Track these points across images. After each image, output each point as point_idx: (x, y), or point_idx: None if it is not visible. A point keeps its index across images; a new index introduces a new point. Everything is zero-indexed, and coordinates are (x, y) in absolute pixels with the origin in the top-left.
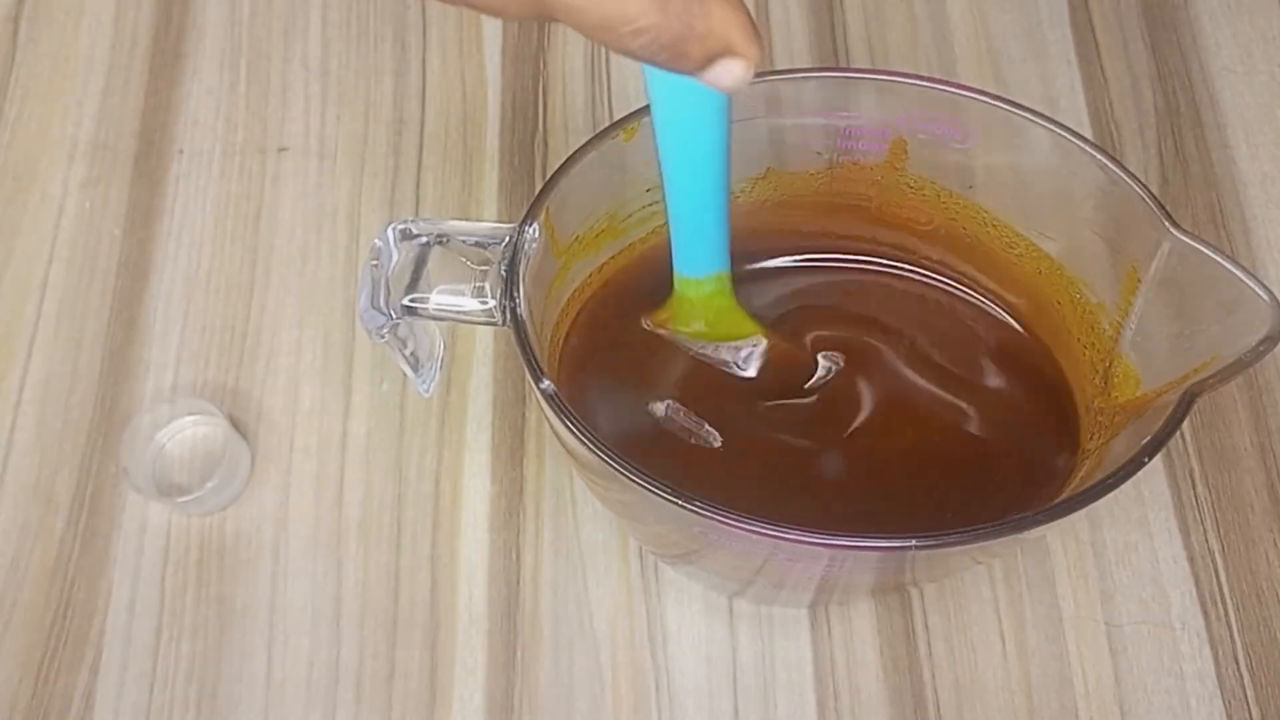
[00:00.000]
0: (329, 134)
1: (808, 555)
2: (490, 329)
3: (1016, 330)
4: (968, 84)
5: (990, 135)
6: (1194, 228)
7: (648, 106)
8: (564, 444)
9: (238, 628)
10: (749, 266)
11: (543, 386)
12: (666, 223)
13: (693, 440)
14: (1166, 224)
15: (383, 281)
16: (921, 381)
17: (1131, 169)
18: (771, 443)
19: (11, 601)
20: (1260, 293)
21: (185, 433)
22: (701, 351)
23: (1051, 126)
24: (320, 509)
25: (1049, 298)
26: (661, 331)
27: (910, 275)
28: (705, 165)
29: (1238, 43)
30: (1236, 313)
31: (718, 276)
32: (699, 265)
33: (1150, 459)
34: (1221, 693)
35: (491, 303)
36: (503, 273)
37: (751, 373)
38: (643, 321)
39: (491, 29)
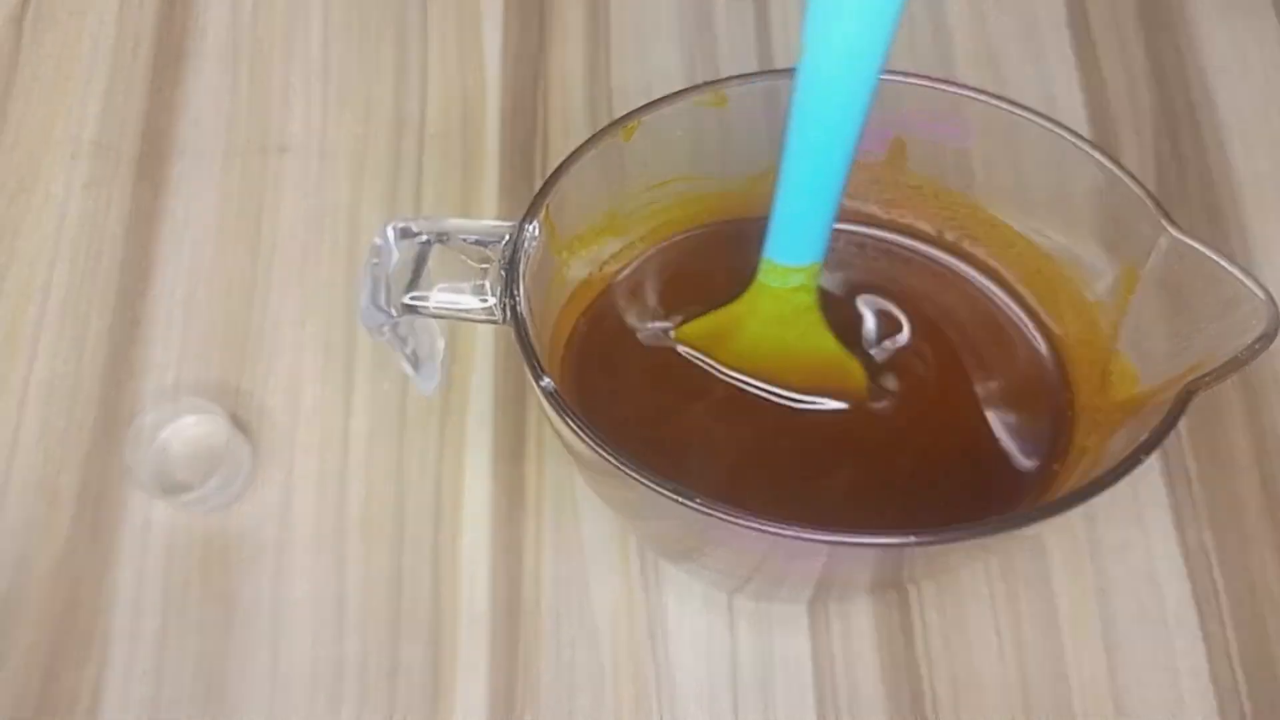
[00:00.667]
0: (330, 134)
1: (807, 552)
2: (491, 327)
3: (1014, 328)
4: (968, 84)
5: (989, 135)
6: (1190, 227)
7: (655, 103)
8: (565, 442)
9: (242, 624)
10: (749, 257)
11: (543, 384)
12: (774, 198)
13: None
14: (1164, 223)
15: (383, 280)
16: (920, 377)
17: (1128, 168)
18: (773, 438)
19: (18, 599)
20: (1256, 291)
21: (188, 431)
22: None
23: (1050, 126)
24: (322, 507)
25: (1047, 296)
26: (685, 350)
27: (909, 272)
28: (843, 131)
29: (1234, 43)
30: (1233, 311)
31: (811, 268)
32: (799, 250)
33: (1147, 457)
34: (1215, 689)
35: (492, 301)
36: (503, 271)
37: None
38: (674, 337)
39: (492, 29)
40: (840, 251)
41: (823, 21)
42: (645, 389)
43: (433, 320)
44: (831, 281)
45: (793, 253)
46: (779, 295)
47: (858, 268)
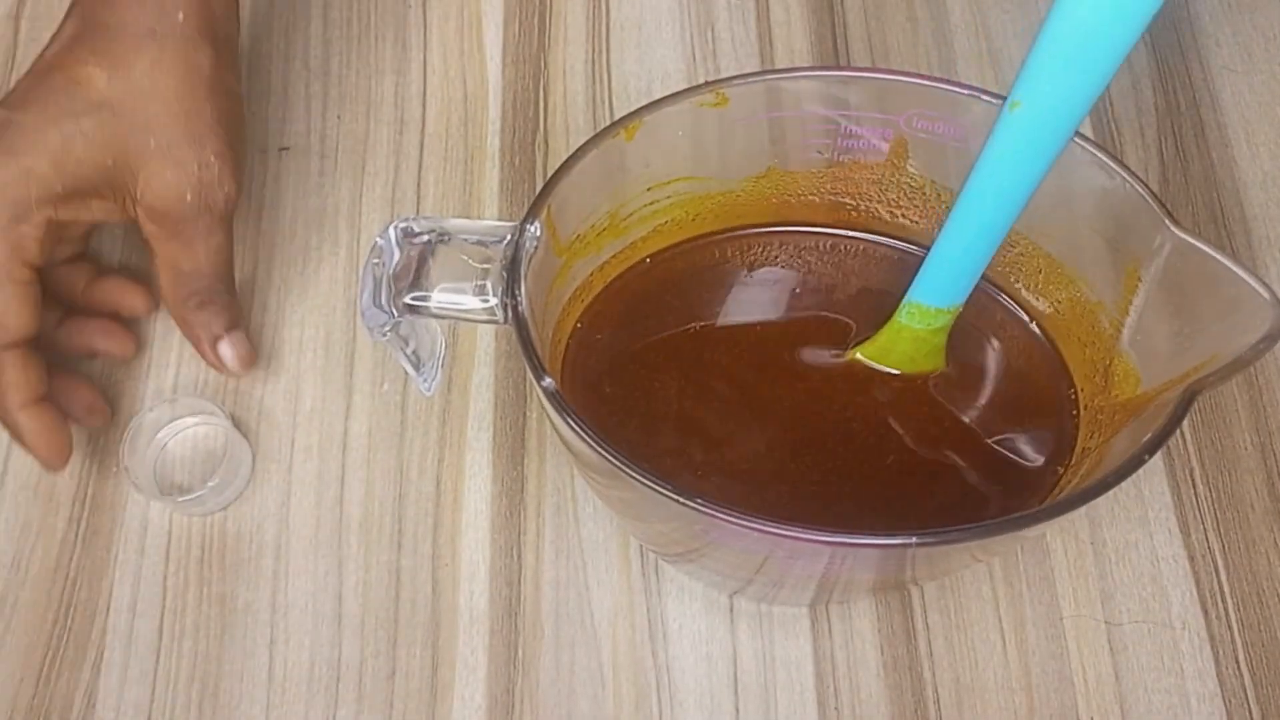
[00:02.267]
0: (330, 133)
1: (808, 553)
2: (491, 328)
3: (1016, 329)
4: (968, 84)
5: None
6: (1194, 226)
7: (656, 103)
8: (565, 442)
9: (239, 626)
10: (750, 259)
11: (544, 384)
12: (935, 244)
13: None
14: (1167, 222)
15: (384, 280)
16: (922, 377)
17: (1132, 168)
18: (773, 440)
19: (13, 601)
20: (1260, 291)
21: (187, 432)
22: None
23: None
24: (322, 508)
25: (1049, 297)
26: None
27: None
28: (1034, 177)
29: (1238, 41)
30: (1236, 311)
31: (955, 309)
32: (953, 292)
33: (1150, 457)
34: (1222, 691)
35: (493, 301)
36: (504, 271)
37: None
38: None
39: (493, 29)
40: (844, 255)
41: (1046, 77)
42: (646, 390)
43: (434, 320)
44: (837, 287)
45: (946, 295)
46: (919, 337)
47: (861, 271)
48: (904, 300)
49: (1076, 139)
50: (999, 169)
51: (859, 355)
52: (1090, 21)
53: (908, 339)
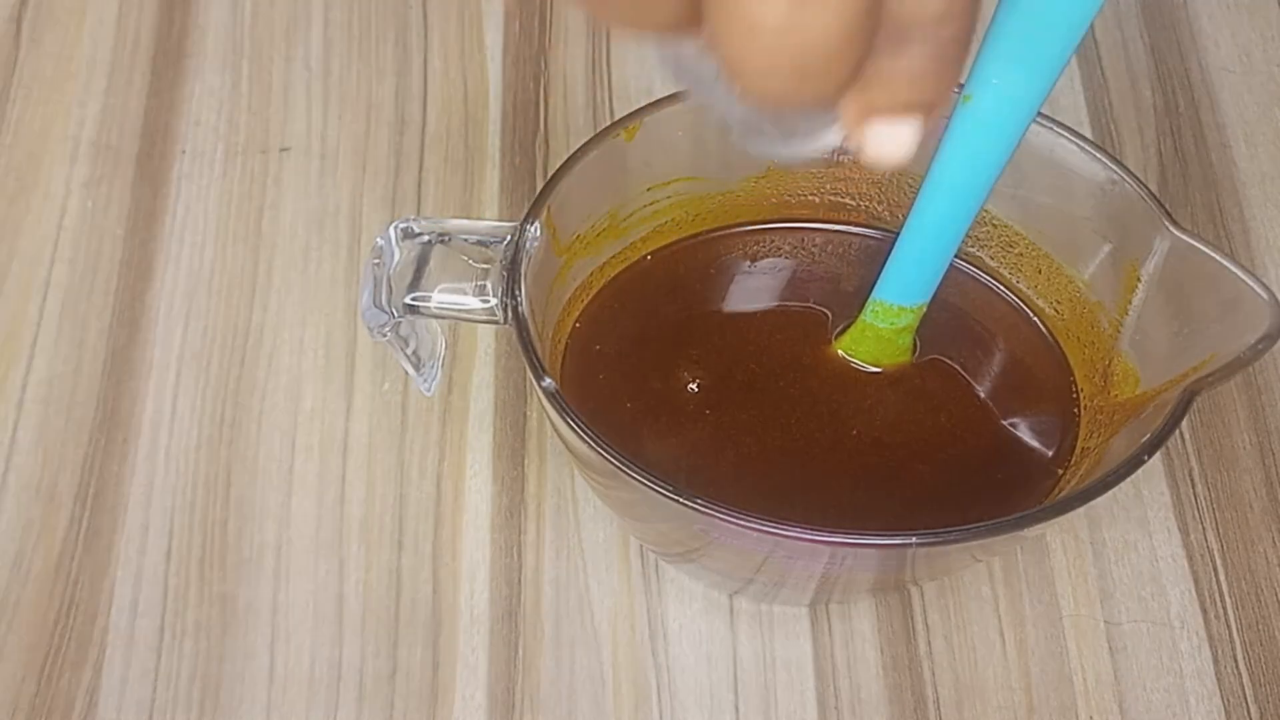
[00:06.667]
0: (331, 134)
1: (808, 553)
2: (492, 328)
3: (1016, 328)
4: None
5: None
6: (1193, 227)
7: (656, 103)
8: (565, 443)
9: (240, 627)
10: (749, 257)
11: (544, 385)
12: (898, 239)
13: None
14: (1166, 223)
15: (385, 280)
16: (926, 379)
17: (1131, 168)
18: (773, 439)
19: (14, 600)
20: (1259, 291)
21: None
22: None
23: (1051, 126)
24: (322, 508)
25: (1049, 297)
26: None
27: None
28: (991, 172)
29: (1237, 42)
30: (1235, 311)
31: (920, 309)
32: (915, 290)
33: (1149, 457)
34: (1220, 691)
35: (493, 301)
36: (504, 271)
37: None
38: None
39: (493, 30)
40: (847, 250)
41: (993, 70)
42: (646, 389)
43: (434, 320)
44: (841, 280)
45: (908, 293)
46: (883, 336)
47: (866, 266)
48: (869, 298)
49: (1076, 139)
50: (954, 162)
51: (839, 351)
52: (1032, 16)
53: (872, 338)
